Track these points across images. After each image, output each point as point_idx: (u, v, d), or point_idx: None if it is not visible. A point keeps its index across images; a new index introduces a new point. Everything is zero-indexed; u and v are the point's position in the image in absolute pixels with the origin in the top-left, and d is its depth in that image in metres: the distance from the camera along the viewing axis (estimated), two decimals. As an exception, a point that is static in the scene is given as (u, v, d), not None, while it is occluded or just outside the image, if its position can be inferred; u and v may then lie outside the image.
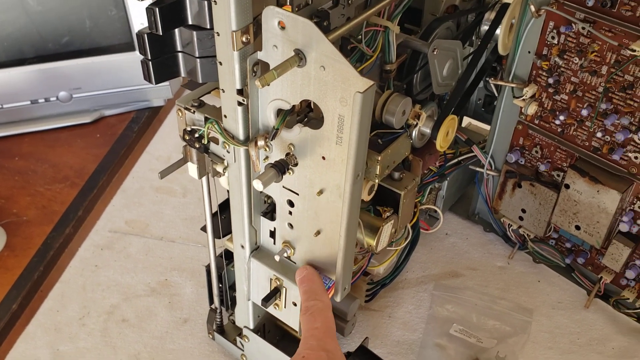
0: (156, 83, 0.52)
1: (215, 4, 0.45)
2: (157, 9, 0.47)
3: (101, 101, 1.09)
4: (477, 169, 0.86)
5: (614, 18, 0.65)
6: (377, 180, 0.62)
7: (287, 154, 0.51)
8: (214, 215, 0.64)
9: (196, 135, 0.54)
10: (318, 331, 0.50)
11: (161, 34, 0.48)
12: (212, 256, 0.66)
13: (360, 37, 0.58)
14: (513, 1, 0.74)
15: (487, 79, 0.85)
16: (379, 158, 0.60)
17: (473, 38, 0.79)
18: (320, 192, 0.51)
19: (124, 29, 1.02)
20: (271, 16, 0.45)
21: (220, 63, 0.48)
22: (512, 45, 0.74)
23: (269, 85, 0.44)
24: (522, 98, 0.75)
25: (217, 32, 0.47)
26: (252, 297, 0.64)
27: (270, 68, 0.47)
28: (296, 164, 0.51)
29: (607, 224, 0.73)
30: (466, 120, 0.95)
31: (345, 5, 0.55)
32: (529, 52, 0.73)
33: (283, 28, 0.45)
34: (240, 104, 0.50)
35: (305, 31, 0.43)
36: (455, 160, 0.84)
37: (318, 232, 0.54)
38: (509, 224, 0.86)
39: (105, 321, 0.79)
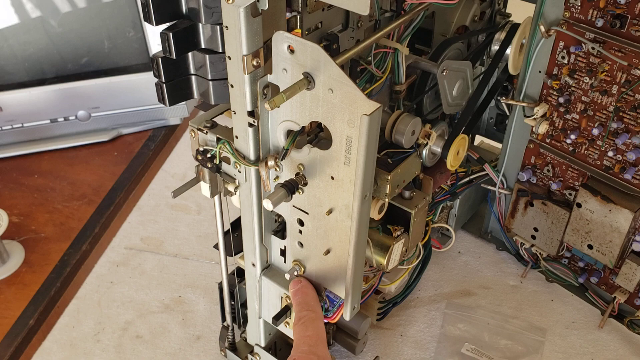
0: (170, 105, 0.53)
1: (227, 29, 0.46)
2: (171, 34, 0.49)
3: (119, 120, 1.11)
4: (489, 187, 0.86)
5: (624, 38, 0.65)
6: (387, 200, 0.63)
7: (297, 174, 0.52)
8: (226, 234, 0.65)
9: (208, 155, 0.55)
10: (310, 339, 0.52)
11: (175, 58, 0.50)
12: (225, 274, 0.67)
13: (369, 58, 0.59)
14: (523, 22, 0.75)
15: (499, 98, 0.85)
16: (389, 177, 0.61)
17: (484, 58, 0.80)
18: (330, 212, 0.51)
19: (141, 49, 1.05)
20: (281, 41, 0.46)
21: (232, 86, 0.50)
22: (523, 65, 0.75)
23: (278, 107, 0.45)
24: (533, 117, 0.76)
25: (229, 56, 0.48)
26: (264, 315, 0.64)
27: (280, 91, 0.48)
28: (306, 184, 0.52)
29: (620, 243, 0.73)
30: (478, 139, 0.96)
31: (354, 28, 0.56)
32: (540, 71, 0.74)
33: (292, 52, 0.46)
34: (251, 125, 0.51)
35: (314, 55, 0.44)
36: (467, 178, 0.84)
37: (328, 251, 0.54)
38: (521, 243, 0.85)
39: (120, 337, 0.80)
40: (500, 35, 0.76)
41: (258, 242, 0.59)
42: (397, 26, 0.56)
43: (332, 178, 0.50)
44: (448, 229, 0.88)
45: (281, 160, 0.51)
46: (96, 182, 1.05)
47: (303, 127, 0.50)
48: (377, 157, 0.61)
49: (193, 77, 0.53)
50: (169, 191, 1.02)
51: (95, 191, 1.03)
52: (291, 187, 0.51)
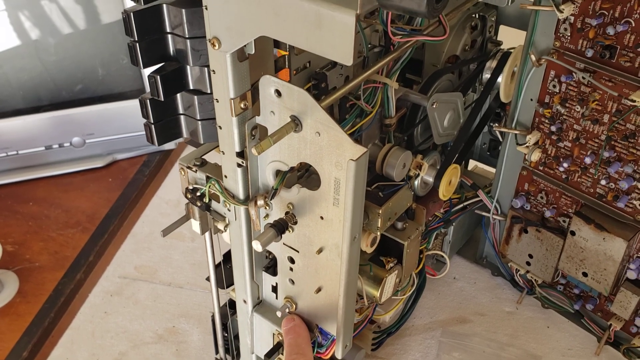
0: (159, 145, 0.53)
1: (214, 73, 0.46)
2: (158, 77, 0.49)
3: (113, 146, 1.11)
4: (484, 213, 0.86)
5: (614, 68, 0.65)
6: (378, 233, 0.63)
7: (287, 213, 0.52)
8: (217, 267, 0.64)
9: (198, 193, 0.55)
10: None
11: (163, 100, 0.50)
12: (217, 307, 0.66)
13: (359, 93, 0.59)
14: (514, 50, 0.75)
15: (491, 124, 0.85)
16: (380, 211, 0.61)
17: (476, 85, 0.80)
18: (320, 251, 0.51)
19: (135, 76, 1.05)
20: (267, 85, 0.46)
21: (220, 127, 0.50)
22: (515, 93, 0.75)
23: (264, 151, 0.45)
24: (525, 145, 0.76)
25: (217, 99, 0.48)
26: (256, 351, 0.64)
27: (268, 132, 0.48)
28: (295, 222, 0.52)
29: (615, 272, 0.73)
30: (472, 164, 0.96)
31: (343, 66, 0.56)
32: (531, 99, 0.74)
33: (279, 95, 0.46)
34: (239, 165, 0.51)
35: (301, 99, 0.44)
36: (461, 205, 0.84)
37: (319, 289, 0.54)
38: (516, 269, 0.85)
39: (114, 369, 0.80)
40: (492, 64, 0.76)
41: (249, 279, 0.58)
42: (386, 63, 0.56)
43: (322, 218, 0.49)
44: (442, 256, 0.88)
45: (270, 200, 0.51)
46: (91, 209, 1.04)
47: (292, 167, 0.50)
48: (368, 191, 0.62)
49: (182, 117, 0.53)
50: (163, 218, 1.02)
51: (90, 218, 1.03)
52: (281, 227, 0.50)
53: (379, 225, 0.62)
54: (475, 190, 0.84)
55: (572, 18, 0.66)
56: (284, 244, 0.54)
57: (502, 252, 0.86)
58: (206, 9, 0.44)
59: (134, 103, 1.06)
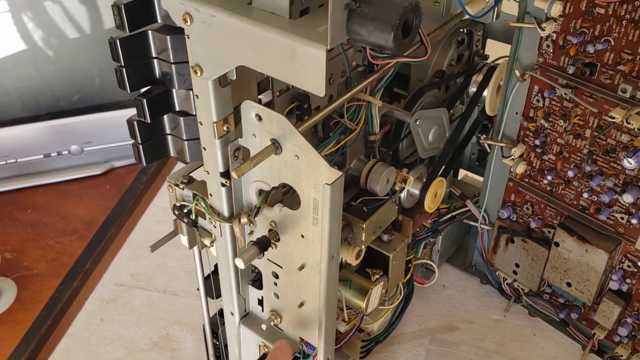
0: (146, 164, 0.55)
1: (197, 98, 0.48)
2: (144, 100, 0.50)
3: (111, 153, 1.13)
4: (472, 223, 0.87)
5: (595, 85, 0.67)
6: (363, 246, 0.64)
7: (270, 230, 0.54)
8: (207, 278, 0.66)
9: (185, 210, 0.57)
10: None
11: (149, 122, 0.51)
12: (207, 318, 0.68)
13: (342, 111, 0.61)
14: (500, 65, 0.77)
15: (479, 135, 0.87)
16: (364, 226, 0.62)
17: (464, 97, 0.81)
18: (301, 268, 0.53)
19: (131, 86, 1.06)
20: (249, 110, 0.47)
21: (204, 148, 0.51)
22: (500, 107, 0.76)
23: (244, 174, 0.46)
24: (510, 157, 0.77)
25: (200, 122, 0.49)
26: (246, 358, 0.66)
27: (250, 154, 0.50)
28: (278, 240, 0.53)
29: (597, 282, 0.74)
30: (462, 173, 0.97)
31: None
32: (517, 113, 0.75)
33: (260, 119, 0.47)
34: (223, 185, 0.52)
35: (280, 124, 0.46)
36: (449, 215, 0.85)
37: (301, 304, 0.56)
38: (503, 278, 0.87)
39: (109, 376, 0.82)
40: (478, 78, 0.77)
41: (235, 293, 0.60)
42: (368, 83, 0.57)
43: (303, 236, 0.51)
44: (431, 265, 0.89)
45: (254, 218, 0.53)
46: (88, 217, 1.06)
47: (274, 187, 0.51)
48: (352, 205, 0.64)
49: (169, 137, 0.55)
50: (159, 225, 1.04)
51: (87, 226, 1.05)
52: (263, 245, 0.52)
53: (363, 239, 0.63)
54: (464, 200, 0.86)
55: (555, 35, 0.68)
56: (268, 259, 0.56)
57: (490, 261, 0.87)
58: (188, 37, 0.45)
59: (131, 112, 1.08)
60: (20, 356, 0.84)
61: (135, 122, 0.52)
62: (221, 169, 0.51)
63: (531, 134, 0.75)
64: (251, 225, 0.54)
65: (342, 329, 0.74)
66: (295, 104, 0.55)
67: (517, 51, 0.72)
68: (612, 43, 0.64)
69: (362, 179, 0.64)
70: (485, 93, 0.76)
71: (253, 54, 0.42)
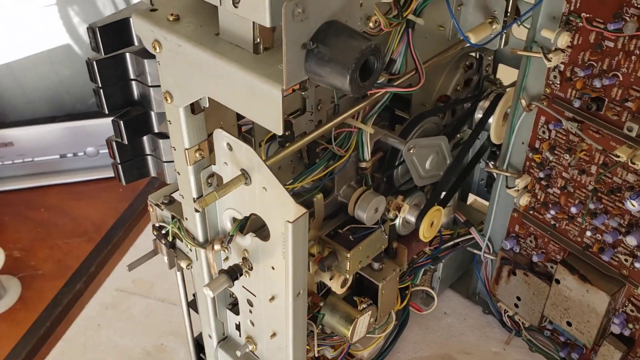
0: (126, 183, 0.55)
1: (170, 123, 0.47)
2: (121, 121, 0.50)
3: (125, 157, 1.14)
4: (475, 251, 0.84)
5: (601, 120, 0.64)
6: (348, 275, 0.63)
7: (244, 259, 0.53)
8: (191, 303, 0.65)
9: (163, 231, 0.56)
10: None
11: (126, 143, 0.51)
12: (190, 338, 0.68)
13: (331, 137, 0.59)
14: (507, 92, 0.74)
15: (487, 161, 0.84)
16: (349, 255, 0.61)
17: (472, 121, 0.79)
18: (272, 299, 0.52)
19: (146, 92, 1.07)
20: (220, 138, 0.47)
21: (178, 173, 0.51)
22: (506, 135, 0.73)
23: (208, 205, 0.46)
24: (514, 189, 0.74)
25: (174, 147, 0.49)
26: (223, 382, 0.65)
27: (223, 181, 0.49)
28: (251, 269, 0.52)
29: (598, 324, 0.71)
30: (471, 197, 0.94)
31: (313, 112, 0.57)
32: (523, 143, 0.73)
33: (231, 149, 0.46)
34: (197, 210, 0.52)
35: (248, 156, 0.45)
36: (452, 242, 0.83)
37: (274, 334, 0.54)
38: (505, 310, 0.84)
39: (100, 383, 0.82)
40: (484, 104, 0.75)
41: (212, 317, 0.59)
42: (355, 112, 0.56)
43: (273, 268, 0.50)
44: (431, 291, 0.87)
45: (227, 245, 0.52)
46: (99, 219, 1.08)
47: (245, 216, 0.50)
48: (339, 233, 0.62)
49: (149, 157, 0.54)
50: (165, 232, 1.04)
51: (97, 228, 1.06)
52: (233, 274, 0.51)
53: (348, 269, 0.62)
54: (468, 228, 0.83)
55: (562, 66, 0.65)
56: (243, 286, 0.55)
57: (492, 292, 0.84)
58: (159, 64, 0.45)
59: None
60: (17, 357, 0.86)
61: (114, 142, 0.52)
62: (194, 195, 0.51)
63: (536, 166, 0.72)
64: (226, 251, 0.54)
65: (329, 355, 0.72)
66: (276, 131, 0.53)
67: (525, 80, 0.69)
68: (621, 78, 0.61)
69: (349, 206, 0.62)
70: (490, 120, 0.74)
71: (216, 86, 0.41)
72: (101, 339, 0.88)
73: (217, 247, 0.52)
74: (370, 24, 0.41)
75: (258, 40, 0.39)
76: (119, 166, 0.53)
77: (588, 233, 0.69)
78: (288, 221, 0.43)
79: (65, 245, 1.03)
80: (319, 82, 0.37)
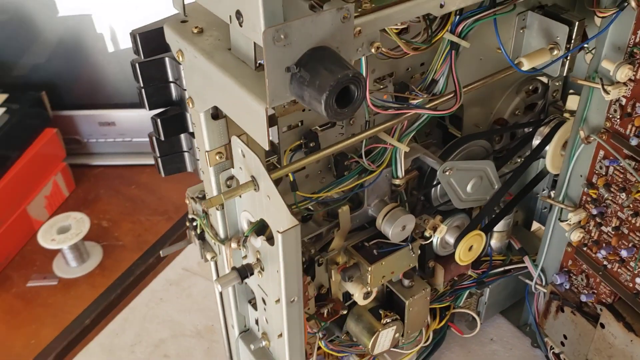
0: (165, 175, 0.59)
1: (194, 125, 0.51)
2: (158, 119, 0.54)
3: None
4: (527, 281, 0.81)
5: (660, 162, 0.59)
6: (369, 288, 0.64)
7: (258, 259, 0.55)
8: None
9: (194, 223, 0.61)
10: None
11: (163, 139, 0.56)
12: (223, 327, 0.71)
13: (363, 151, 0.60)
14: (568, 121, 0.71)
15: (548, 188, 0.81)
16: (370, 269, 0.62)
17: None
18: (278, 301, 0.54)
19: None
20: (235, 145, 0.49)
21: (202, 172, 0.54)
22: (564, 166, 0.70)
23: (213, 206, 0.49)
24: (567, 222, 0.71)
25: (198, 148, 0.52)
26: (242, 371, 0.69)
27: (240, 184, 0.52)
28: (263, 269, 0.55)
29: (639, 378, 0.66)
30: (535, 225, 0.91)
31: (344, 126, 0.58)
32: (581, 176, 0.69)
33: (244, 156, 0.49)
34: (217, 209, 0.55)
35: (253, 164, 0.47)
36: (502, 269, 0.81)
37: (280, 335, 0.57)
38: (551, 346, 0.80)
39: (151, 353, 0.89)
40: (544, 130, 0.72)
41: (234, 309, 0.63)
42: (383, 129, 0.56)
43: (277, 272, 0.52)
44: (476, 316, 0.85)
45: (243, 244, 0.55)
46: (180, 201, 1.15)
47: (256, 220, 0.53)
48: (365, 245, 0.63)
49: (186, 154, 0.58)
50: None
51: (177, 209, 1.14)
52: (244, 272, 0.54)
53: (369, 282, 0.63)
54: (522, 256, 0.80)
55: (624, 100, 0.61)
56: (258, 285, 0.58)
57: (540, 325, 0.81)
58: (183, 71, 0.48)
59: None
60: (87, 317, 0.95)
61: (154, 138, 0.56)
62: (215, 194, 0.54)
63: (591, 202, 0.68)
64: (243, 250, 0.57)
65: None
66: (301, 142, 0.55)
67: (586, 110, 0.65)
68: (682, 120, 0.56)
69: (377, 220, 0.63)
70: (547, 148, 0.71)
71: (222, 97, 0.44)
72: (160, 312, 0.95)
73: (234, 245, 0.55)
74: (373, 50, 0.42)
75: (258, 56, 0.41)
76: (159, 159, 0.58)
77: (638, 280, 0.65)
78: (278, 231, 0.45)
79: (147, 221, 1.11)
80: (303, 104, 0.39)
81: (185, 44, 0.46)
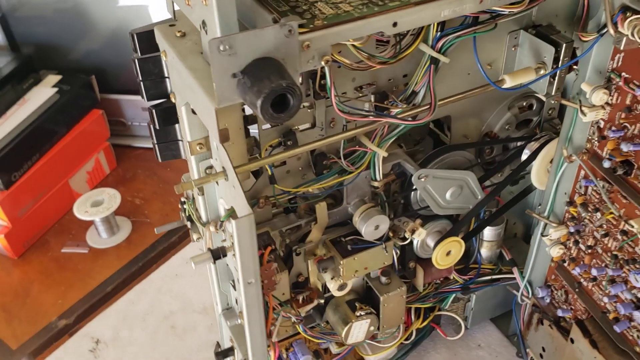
0: (161, 161, 0.66)
1: (179, 117, 0.57)
2: (154, 110, 0.61)
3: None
4: (514, 291, 0.83)
5: (629, 186, 0.61)
6: (342, 280, 0.68)
7: (232, 243, 0.61)
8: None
9: (184, 206, 0.67)
10: None
11: (158, 128, 0.62)
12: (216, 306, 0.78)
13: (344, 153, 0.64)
14: (554, 139, 0.72)
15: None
16: (342, 262, 0.66)
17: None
18: (237, 282, 0.59)
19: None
20: (213, 138, 0.55)
21: (187, 160, 0.60)
22: (549, 182, 0.72)
23: (184, 190, 0.54)
24: (548, 237, 0.73)
25: (181, 138, 0.58)
26: (225, 345, 0.75)
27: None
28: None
29: (601, 395, 0.68)
30: (535, 238, 0.92)
31: (324, 128, 0.63)
32: (565, 193, 0.71)
33: (217, 148, 0.55)
34: (199, 194, 0.61)
35: (222, 157, 0.53)
36: (489, 277, 0.83)
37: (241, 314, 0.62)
38: (531, 357, 0.82)
39: (160, 323, 0.96)
40: (533, 146, 0.74)
41: (216, 287, 0.69)
42: (353, 134, 0.60)
43: (233, 255, 0.57)
44: (464, 319, 0.88)
45: (219, 229, 0.61)
46: (208, 186, 1.22)
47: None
48: (342, 240, 0.68)
49: (180, 142, 0.65)
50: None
51: (204, 193, 1.21)
52: (217, 253, 0.60)
53: (342, 274, 0.67)
54: (511, 267, 0.83)
55: (602, 123, 0.63)
56: (234, 267, 0.63)
57: (524, 336, 0.83)
58: (167, 69, 0.54)
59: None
60: (109, 285, 1.03)
61: (151, 126, 0.63)
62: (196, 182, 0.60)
63: (571, 219, 0.70)
64: (223, 234, 0.62)
65: (333, 350, 0.78)
66: (279, 140, 0.60)
67: (571, 130, 0.67)
68: (649, 146, 0.58)
69: (354, 218, 0.67)
70: (533, 164, 0.73)
71: (191, 95, 0.49)
72: (174, 286, 1.02)
73: (212, 228, 0.61)
74: (323, 62, 0.46)
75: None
76: (156, 146, 0.64)
77: (606, 299, 0.67)
78: (232, 218, 0.50)
79: (176, 203, 1.19)
80: (248, 107, 0.44)
81: (167, 46, 0.51)
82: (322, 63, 0.47)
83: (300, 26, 0.45)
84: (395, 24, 0.48)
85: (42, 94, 1.15)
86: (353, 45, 0.51)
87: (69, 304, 1.01)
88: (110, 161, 1.26)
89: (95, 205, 1.08)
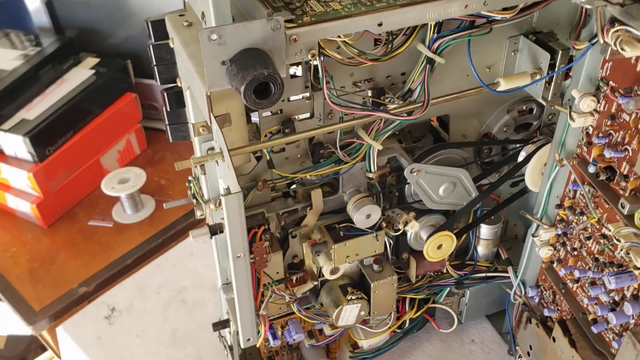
0: (172, 141, 0.71)
1: (185, 101, 0.62)
2: (165, 93, 0.66)
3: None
4: (507, 290, 0.86)
5: (611, 191, 0.63)
6: (333, 264, 0.72)
7: (229, 220, 0.65)
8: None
9: (190, 184, 0.72)
10: None
11: (169, 110, 0.67)
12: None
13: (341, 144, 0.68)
14: (549, 143, 0.75)
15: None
16: (334, 247, 0.70)
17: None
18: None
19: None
20: (214, 121, 0.59)
21: (193, 141, 0.65)
22: (542, 184, 0.74)
23: (183, 168, 0.59)
24: (538, 238, 0.75)
25: (187, 120, 0.63)
26: (222, 316, 0.79)
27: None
28: (233, 230, 0.65)
29: (576, 394, 0.70)
30: (535, 241, 0.94)
31: (322, 119, 0.67)
32: (557, 196, 0.73)
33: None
34: (202, 173, 0.66)
35: (218, 139, 0.57)
36: (484, 275, 0.86)
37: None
38: (519, 355, 0.84)
39: (172, 297, 1.02)
40: (530, 148, 0.76)
41: (217, 262, 0.74)
42: (348, 126, 0.64)
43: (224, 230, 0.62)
44: (459, 313, 0.90)
45: (218, 207, 0.65)
46: (231, 172, 1.28)
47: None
48: (335, 226, 0.72)
49: (190, 125, 0.69)
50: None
51: (226, 179, 1.26)
52: (214, 229, 0.64)
53: (333, 258, 0.71)
54: (506, 266, 0.85)
55: (591, 129, 0.65)
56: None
57: (514, 333, 0.85)
58: (176, 55, 0.59)
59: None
60: (129, 258, 1.10)
61: (162, 108, 0.68)
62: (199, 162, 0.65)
63: (560, 222, 0.72)
64: (221, 210, 0.67)
65: (327, 332, 0.82)
66: (277, 127, 0.65)
67: (564, 134, 0.69)
68: (630, 154, 0.60)
69: (347, 206, 0.71)
70: (527, 166, 0.75)
71: (190, 80, 0.54)
72: (189, 264, 1.08)
73: (212, 206, 0.66)
74: (309, 56, 0.50)
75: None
76: (167, 127, 0.69)
77: (586, 301, 0.69)
78: (222, 195, 0.55)
79: (199, 185, 1.25)
80: (236, 92, 0.48)
81: (175, 34, 0.56)
82: (309, 56, 0.50)
83: (290, 21, 0.49)
84: (380, 24, 0.52)
85: (80, 74, 1.22)
86: (344, 42, 0.55)
87: (91, 273, 1.08)
88: (140, 142, 1.32)
89: (122, 183, 1.15)
